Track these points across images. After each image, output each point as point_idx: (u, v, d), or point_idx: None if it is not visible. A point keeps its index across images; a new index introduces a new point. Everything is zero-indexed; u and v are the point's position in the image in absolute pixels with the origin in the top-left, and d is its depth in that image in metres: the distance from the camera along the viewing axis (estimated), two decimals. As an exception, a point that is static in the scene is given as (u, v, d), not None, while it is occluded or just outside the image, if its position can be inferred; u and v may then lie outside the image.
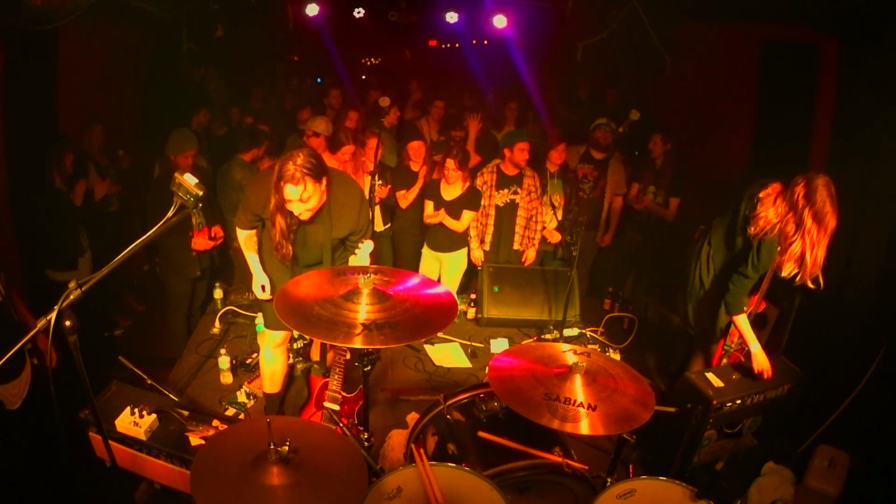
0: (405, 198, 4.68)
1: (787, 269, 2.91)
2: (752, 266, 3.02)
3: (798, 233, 2.83)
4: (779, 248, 2.92)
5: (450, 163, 4.24)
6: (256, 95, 6.92)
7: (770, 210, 2.95)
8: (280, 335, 3.26)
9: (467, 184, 4.40)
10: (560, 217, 4.59)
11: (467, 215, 4.43)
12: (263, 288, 3.16)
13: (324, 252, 2.97)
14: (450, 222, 4.42)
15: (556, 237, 4.70)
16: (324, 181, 2.70)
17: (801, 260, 2.86)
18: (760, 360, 3.07)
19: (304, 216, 2.76)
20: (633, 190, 5.09)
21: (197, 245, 3.98)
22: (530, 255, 4.70)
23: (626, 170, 5.14)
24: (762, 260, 2.98)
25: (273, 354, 3.31)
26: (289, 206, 2.71)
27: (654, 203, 4.94)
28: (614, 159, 5.01)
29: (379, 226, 4.71)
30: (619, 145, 5.14)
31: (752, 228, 2.99)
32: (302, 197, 2.64)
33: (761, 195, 3.01)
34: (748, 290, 3.11)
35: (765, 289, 3.22)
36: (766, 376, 3.07)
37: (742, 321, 3.12)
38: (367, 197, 4.46)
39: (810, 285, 2.90)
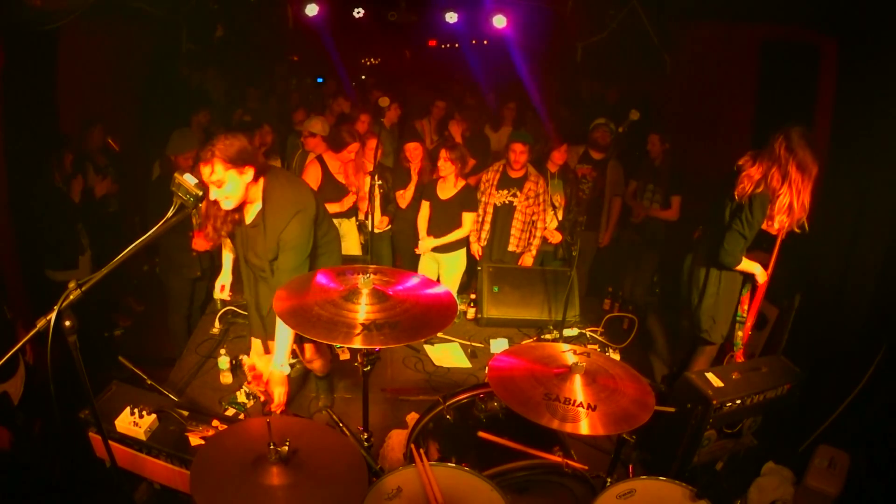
0: (403, 197, 4.68)
1: (778, 222, 3.07)
2: (746, 222, 3.10)
3: (784, 184, 2.99)
4: (769, 205, 3.04)
5: (443, 153, 4.26)
6: (252, 95, 6.93)
7: (751, 169, 3.08)
8: (260, 343, 3.17)
9: (462, 183, 4.40)
10: (561, 217, 4.59)
11: (467, 217, 4.43)
12: (223, 288, 3.18)
13: (265, 263, 2.78)
14: (443, 240, 4.45)
15: (556, 237, 4.70)
16: (248, 172, 2.52)
17: (789, 209, 3.02)
18: (760, 275, 3.32)
19: (225, 206, 2.59)
20: (631, 188, 5.09)
21: (197, 246, 3.99)
22: (527, 260, 4.69)
23: (625, 170, 5.15)
24: (756, 215, 3.08)
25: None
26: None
27: (654, 209, 4.95)
28: (613, 159, 5.02)
29: (379, 227, 4.72)
30: (619, 145, 5.15)
31: (738, 191, 3.11)
32: (212, 179, 2.45)
33: (740, 162, 3.17)
34: (742, 247, 3.20)
35: (778, 250, 3.30)
36: (760, 281, 3.33)
37: (745, 264, 3.26)
38: (368, 196, 4.49)
39: (796, 230, 3.07)
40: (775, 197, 3.02)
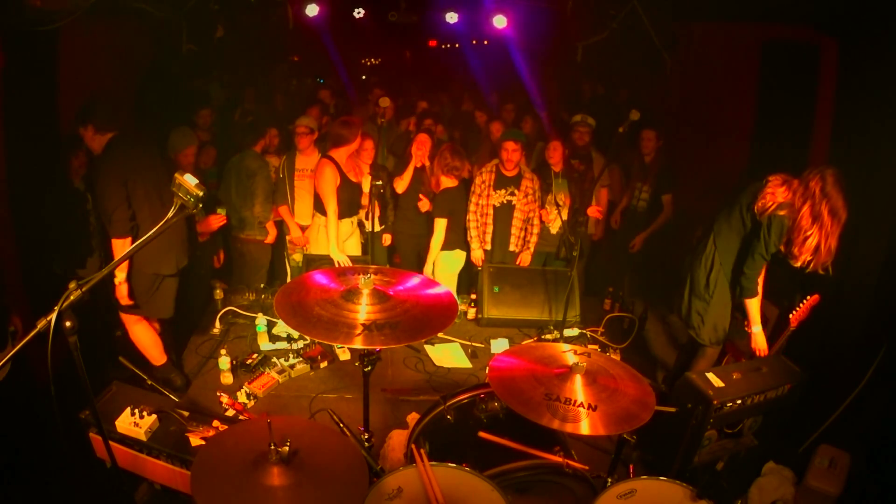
0: (400, 181, 4.69)
1: (802, 260, 3.04)
2: (764, 244, 3.11)
3: (815, 225, 2.96)
4: (797, 238, 3.02)
5: (438, 152, 4.35)
6: (249, 96, 6.94)
7: (778, 190, 3.05)
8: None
9: (448, 185, 4.42)
10: (565, 217, 4.59)
11: (438, 224, 4.46)
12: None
13: None
14: (429, 257, 4.56)
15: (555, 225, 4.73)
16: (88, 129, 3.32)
17: (816, 250, 2.99)
18: (759, 341, 3.31)
19: None
20: (623, 203, 5.16)
21: (203, 228, 4.08)
22: (525, 259, 4.70)
23: (617, 168, 5.19)
24: (773, 237, 3.08)
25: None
26: None
27: (650, 224, 5.02)
28: (595, 152, 5.04)
29: (377, 226, 4.72)
30: (618, 147, 5.15)
31: (759, 205, 3.09)
32: None
33: (768, 178, 3.12)
34: (761, 271, 3.22)
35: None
36: (759, 354, 3.31)
37: (754, 304, 3.27)
38: (368, 198, 4.47)
39: (821, 272, 3.04)
40: (802, 237, 2.99)
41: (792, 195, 3.01)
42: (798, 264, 3.06)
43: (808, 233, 2.97)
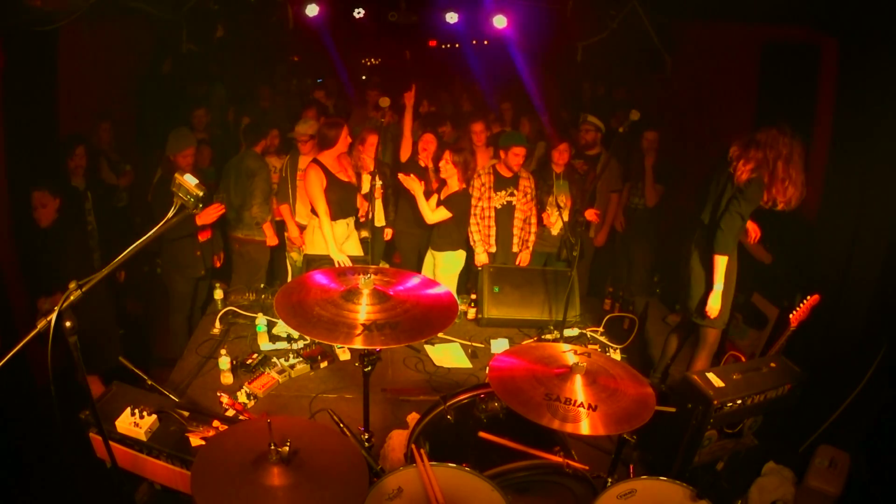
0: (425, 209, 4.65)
1: (785, 202, 3.20)
2: (745, 203, 3.23)
3: (790, 168, 3.13)
4: (779, 186, 3.17)
5: (446, 154, 4.28)
6: (264, 94, 6.93)
7: (748, 155, 3.20)
8: None
9: (462, 186, 4.40)
10: (566, 218, 4.59)
11: (440, 211, 4.41)
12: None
13: None
14: (422, 206, 4.41)
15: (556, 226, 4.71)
16: None
17: (795, 188, 3.16)
18: (716, 300, 3.40)
19: None
20: (625, 195, 5.16)
21: (202, 220, 4.09)
22: (524, 258, 4.70)
23: (621, 168, 5.18)
24: (753, 195, 3.21)
25: None
26: None
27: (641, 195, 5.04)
28: (607, 155, 5.04)
29: (380, 221, 4.71)
30: (618, 146, 5.16)
31: (737, 177, 3.22)
32: None
33: (731, 154, 3.27)
34: (739, 229, 3.31)
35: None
36: (710, 316, 3.42)
37: (723, 262, 3.35)
38: (369, 195, 4.47)
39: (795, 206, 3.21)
40: (784, 185, 3.15)
41: (762, 152, 3.14)
42: (781, 207, 3.21)
43: (786, 181, 3.14)
